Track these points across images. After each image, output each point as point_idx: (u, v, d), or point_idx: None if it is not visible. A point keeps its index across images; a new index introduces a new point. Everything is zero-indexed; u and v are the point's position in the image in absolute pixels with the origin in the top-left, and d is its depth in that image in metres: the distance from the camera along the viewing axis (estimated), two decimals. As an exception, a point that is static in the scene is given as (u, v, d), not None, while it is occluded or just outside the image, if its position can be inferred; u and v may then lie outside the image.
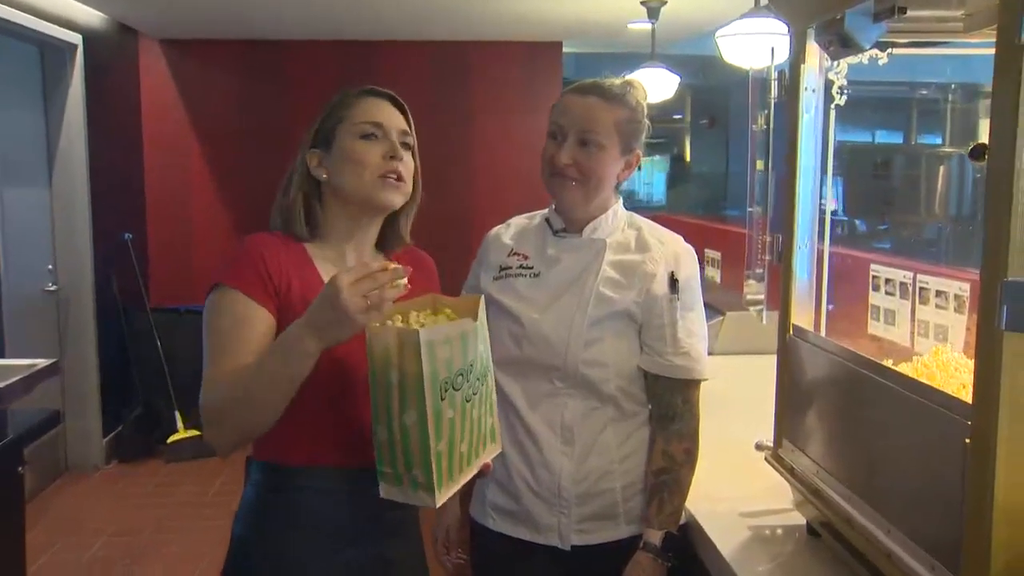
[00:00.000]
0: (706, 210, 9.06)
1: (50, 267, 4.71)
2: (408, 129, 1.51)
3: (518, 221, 1.87)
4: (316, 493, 1.44)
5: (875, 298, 2.90)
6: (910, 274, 2.71)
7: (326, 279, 1.45)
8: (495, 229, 1.88)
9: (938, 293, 2.57)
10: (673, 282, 1.69)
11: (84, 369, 4.83)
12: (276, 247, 1.44)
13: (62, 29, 4.53)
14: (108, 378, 5.01)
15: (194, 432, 5.12)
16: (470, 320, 1.34)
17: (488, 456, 1.42)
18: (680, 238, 1.78)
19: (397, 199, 1.48)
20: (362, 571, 1.48)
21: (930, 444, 1.17)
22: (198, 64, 5.80)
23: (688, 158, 10.49)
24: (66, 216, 4.76)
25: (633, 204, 10.78)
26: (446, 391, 1.26)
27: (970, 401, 1.06)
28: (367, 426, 1.43)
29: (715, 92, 9.26)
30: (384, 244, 1.59)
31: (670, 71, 4.24)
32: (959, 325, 2.46)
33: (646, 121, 1.73)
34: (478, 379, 1.35)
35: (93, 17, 4.95)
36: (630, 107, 1.69)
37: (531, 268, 1.75)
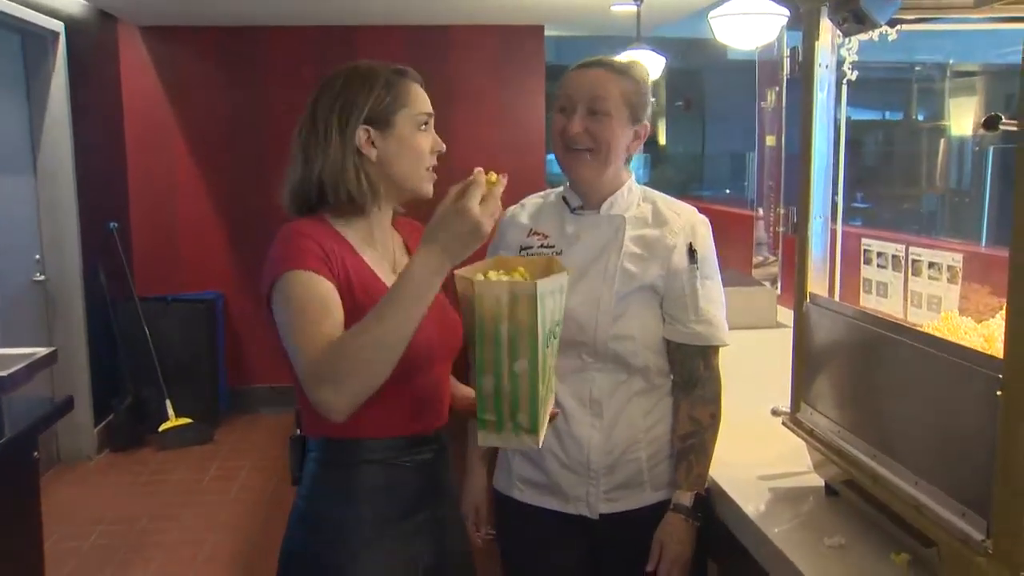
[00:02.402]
0: (681, 191, 9.17)
1: (37, 257, 4.69)
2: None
3: (532, 200, 1.90)
4: (377, 464, 1.49)
5: (867, 271, 2.99)
6: (902, 247, 2.80)
7: (364, 256, 1.50)
8: (510, 209, 1.90)
9: (931, 264, 2.65)
10: (692, 252, 1.74)
11: (74, 359, 4.81)
12: (316, 229, 1.46)
13: (44, 16, 4.48)
14: (98, 368, 5.00)
15: (185, 420, 5.12)
16: (566, 274, 1.44)
17: (551, 408, 1.50)
18: (694, 209, 1.83)
19: (431, 189, 1.56)
20: (423, 533, 1.54)
21: (959, 398, 1.23)
22: (178, 51, 5.76)
23: (663, 140, 10.58)
24: (52, 205, 4.73)
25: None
26: (549, 340, 1.36)
27: (1001, 356, 1.13)
28: (428, 394, 1.52)
29: (690, 75, 9.34)
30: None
31: (657, 53, 4.29)
32: (952, 295, 2.55)
33: (651, 97, 1.78)
34: (562, 329, 1.46)
35: (74, 4, 4.90)
36: (635, 80, 1.74)
37: (552, 247, 1.79)
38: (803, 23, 1.67)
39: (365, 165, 1.51)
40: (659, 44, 5.30)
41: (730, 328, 2.97)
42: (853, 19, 1.54)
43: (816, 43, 1.64)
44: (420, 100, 1.54)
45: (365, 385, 1.32)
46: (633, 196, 1.81)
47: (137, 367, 5.21)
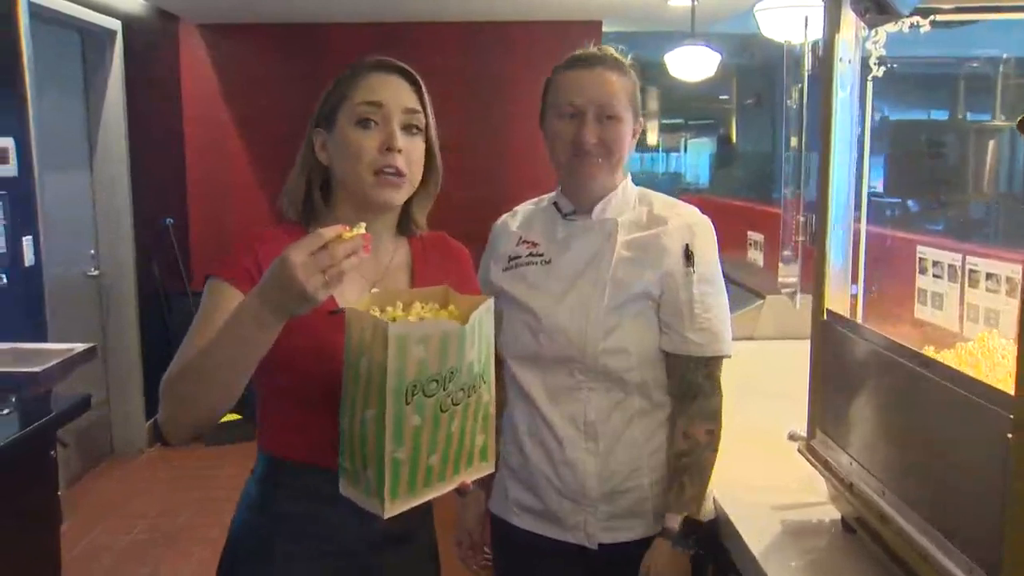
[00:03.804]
0: (753, 192, 8.87)
1: (92, 252, 4.76)
2: (418, 107, 1.40)
3: (525, 207, 1.80)
4: (307, 494, 1.36)
5: (922, 281, 2.78)
6: (958, 256, 2.59)
7: None
8: (502, 217, 1.80)
9: (988, 276, 2.45)
10: (688, 255, 1.61)
11: (126, 354, 4.89)
12: (276, 242, 1.33)
13: (101, 15, 4.55)
14: (151, 362, 5.06)
15: (235, 416, 5.14)
16: (456, 323, 1.20)
17: (474, 475, 1.30)
18: (695, 210, 1.69)
19: (396, 197, 1.38)
20: None
21: (970, 438, 1.09)
22: (237, 48, 5.81)
23: (734, 139, 10.29)
24: (107, 201, 4.81)
25: (681, 187, 10.66)
26: (413, 394, 1.15)
27: (1013, 392, 0.99)
28: None
29: (762, 71, 9.05)
30: (403, 230, 1.50)
31: (711, 49, 4.13)
32: (1011, 309, 2.35)
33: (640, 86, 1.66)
34: (462, 389, 1.21)
35: (133, 3, 4.97)
36: (630, 75, 1.63)
37: (541, 255, 1.68)
38: (824, 14, 1.53)
39: (326, 173, 1.42)
40: (728, 40, 5.11)
41: (771, 337, 2.81)
42: (875, 8, 1.40)
43: (837, 35, 1.49)
44: (365, 88, 1.36)
45: (188, 414, 1.23)
46: (628, 198, 1.69)
47: (190, 362, 5.24)
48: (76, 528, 3.99)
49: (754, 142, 9.92)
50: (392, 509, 1.18)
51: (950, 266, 2.64)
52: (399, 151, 1.35)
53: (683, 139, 11.17)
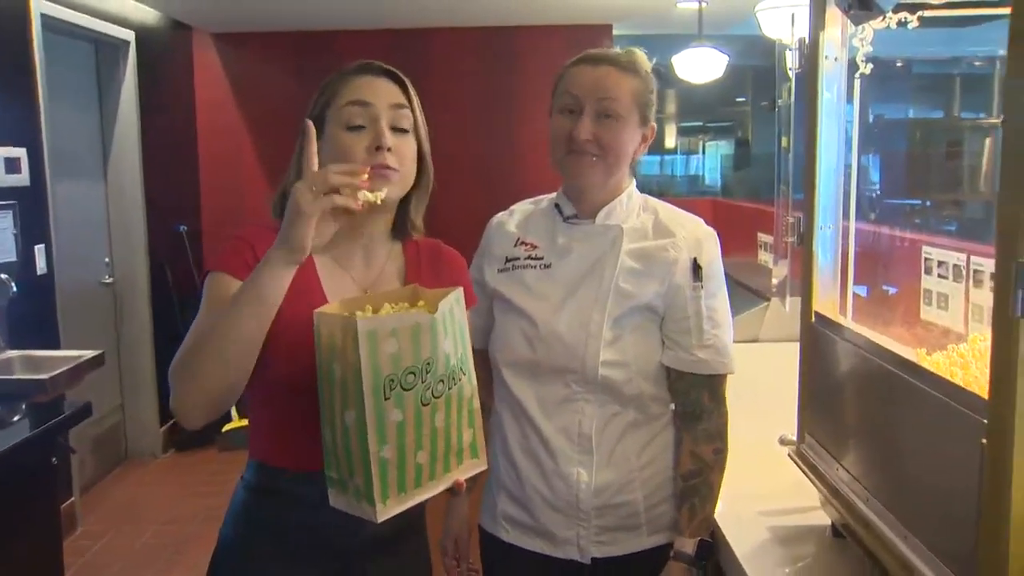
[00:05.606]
0: (768, 194, 8.77)
1: (107, 260, 4.80)
2: (404, 102, 1.38)
3: (523, 207, 1.75)
4: (295, 500, 1.35)
5: (927, 281, 2.74)
6: (963, 256, 2.55)
7: (325, 275, 1.38)
8: (497, 216, 1.76)
9: (993, 276, 2.41)
10: (696, 269, 1.57)
11: (140, 360, 4.92)
12: (259, 233, 1.35)
13: (115, 26, 4.59)
14: (164, 368, 5.06)
15: (245, 422, 5.17)
16: (424, 312, 1.19)
17: (466, 472, 1.28)
18: (700, 221, 1.65)
19: (391, 193, 1.36)
20: None
21: (947, 444, 1.06)
22: (251, 57, 5.84)
23: (751, 141, 10.23)
24: (121, 209, 4.85)
25: (699, 189, 10.59)
26: (391, 390, 1.14)
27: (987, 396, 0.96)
28: None
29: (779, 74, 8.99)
30: (399, 234, 1.48)
31: (719, 50, 4.10)
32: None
33: (655, 90, 1.62)
34: (441, 381, 1.20)
35: (147, 14, 5.01)
36: (642, 77, 1.57)
37: (540, 259, 1.64)
38: (810, 11, 1.51)
39: None
40: (743, 43, 5.04)
41: (776, 340, 2.77)
42: (858, 4, 1.38)
43: (822, 33, 1.47)
44: (349, 90, 1.36)
45: (201, 391, 1.22)
46: (633, 205, 1.64)
47: (204, 368, 5.27)
48: (90, 533, 4.02)
49: (768, 144, 9.85)
50: (385, 512, 1.16)
51: (955, 266, 2.60)
52: (389, 149, 1.34)
53: (701, 142, 11.14)
